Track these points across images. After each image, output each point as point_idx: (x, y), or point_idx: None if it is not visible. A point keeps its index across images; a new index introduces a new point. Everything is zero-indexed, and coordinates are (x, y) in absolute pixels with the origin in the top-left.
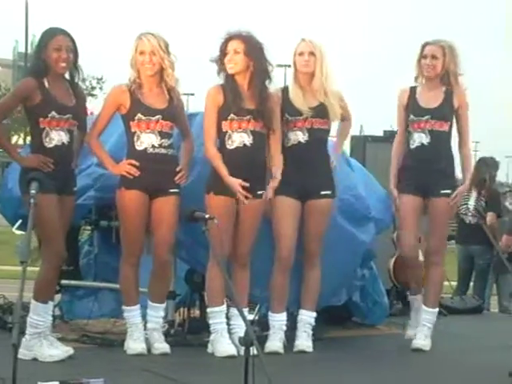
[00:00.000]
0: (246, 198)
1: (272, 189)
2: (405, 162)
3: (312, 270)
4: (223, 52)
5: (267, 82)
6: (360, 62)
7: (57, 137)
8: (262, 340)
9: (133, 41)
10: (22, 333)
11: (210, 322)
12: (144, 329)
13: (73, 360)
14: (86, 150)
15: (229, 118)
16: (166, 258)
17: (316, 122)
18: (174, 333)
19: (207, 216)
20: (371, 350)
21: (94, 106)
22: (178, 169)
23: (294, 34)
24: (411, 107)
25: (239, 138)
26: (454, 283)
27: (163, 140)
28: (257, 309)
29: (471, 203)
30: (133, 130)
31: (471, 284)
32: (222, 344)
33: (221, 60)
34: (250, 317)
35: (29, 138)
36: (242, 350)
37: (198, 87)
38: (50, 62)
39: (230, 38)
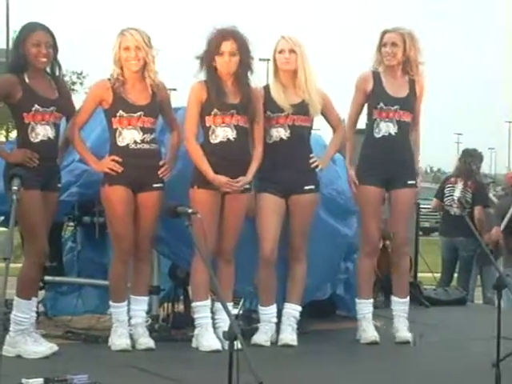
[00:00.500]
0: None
1: (243, 182)
2: (367, 151)
3: (298, 264)
4: (216, 51)
5: (249, 74)
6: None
7: (42, 131)
8: (247, 334)
9: (115, 37)
10: (6, 330)
11: (195, 316)
12: (128, 324)
13: (57, 356)
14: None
15: (212, 112)
16: (147, 251)
17: (298, 119)
18: (159, 328)
19: (190, 210)
20: (356, 343)
21: (74, 100)
22: (161, 163)
23: (276, 27)
24: (379, 95)
25: (223, 133)
26: (438, 275)
27: (145, 135)
28: (241, 303)
29: (456, 194)
30: (114, 127)
31: (455, 276)
32: (207, 338)
33: (211, 58)
34: (235, 311)
35: (10, 135)
36: (227, 344)
37: (179, 82)
38: (30, 57)
39: (223, 38)
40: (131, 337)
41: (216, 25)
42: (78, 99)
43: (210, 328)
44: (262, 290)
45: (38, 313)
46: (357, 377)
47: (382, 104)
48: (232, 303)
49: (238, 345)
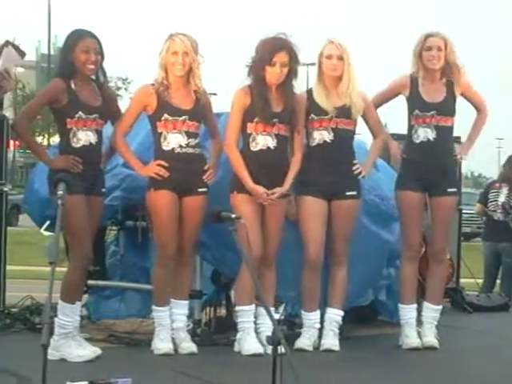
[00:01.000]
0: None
1: (279, 194)
2: (407, 156)
3: (339, 268)
4: (267, 61)
5: (294, 81)
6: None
7: (84, 137)
8: (289, 339)
9: (163, 41)
10: (52, 333)
11: (238, 320)
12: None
13: (100, 360)
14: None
15: (254, 120)
16: (190, 255)
17: (341, 122)
18: (201, 332)
19: (234, 216)
20: (398, 349)
21: (120, 106)
22: (205, 167)
23: (315, 31)
24: (415, 101)
25: (263, 141)
26: (480, 281)
27: (190, 139)
28: (282, 308)
29: (501, 200)
30: (159, 131)
31: (497, 282)
32: (249, 342)
33: (261, 67)
34: (276, 316)
35: (52, 139)
36: (269, 348)
37: (220, 87)
38: (78, 63)
39: (276, 49)
40: (173, 341)
41: (268, 33)
42: (123, 105)
43: (252, 332)
44: (306, 296)
45: (81, 317)
46: (397, 382)
47: (417, 111)
48: (273, 308)
49: (281, 349)
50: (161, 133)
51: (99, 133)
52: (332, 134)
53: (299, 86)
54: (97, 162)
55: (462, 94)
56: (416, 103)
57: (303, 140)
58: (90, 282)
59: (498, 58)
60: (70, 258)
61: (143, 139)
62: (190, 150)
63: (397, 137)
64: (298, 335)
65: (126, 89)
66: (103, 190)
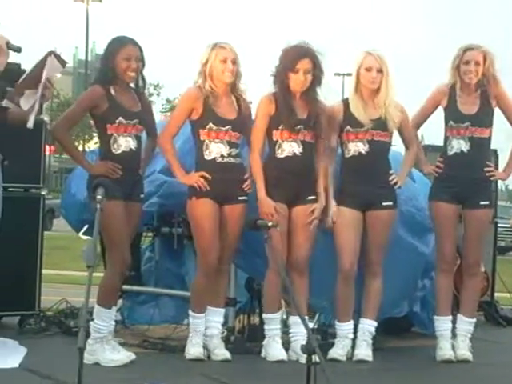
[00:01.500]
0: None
1: (318, 210)
2: (442, 167)
3: (374, 279)
4: (291, 68)
5: (318, 89)
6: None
7: (124, 143)
8: (323, 349)
9: (206, 50)
10: (88, 337)
11: (265, 327)
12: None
13: (134, 365)
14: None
15: (280, 127)
16: (228, 263)
17: (377, 135)
18: (234, 340)
19: (270, 224)
20: (431, 361)
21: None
22: (245, 176)
23: (350, 42)
24: (451, 112)
25: (289, 148)
26: None
27: (232, 149)
28: (316, 317)
29: None
30: (202, 139)
31: None
32: (275, 348)
33: (285, 74)
34: (310, 325)
35: (88, 145)
36: (304, 357)
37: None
38: (119, 70)
39: (300, 56)
40: (206, 347)
41: (291, 41)
42: (155, 110)
43: (278, 339)
44: (339, 306)
45: (115, 321)
46: None
47: (451, 122)
48: (307, 317)
49: (315, 358)
50: (203, 141)
51: (139, 138)
52: (367, 146)
53: (323, 94)
54: (136, 168)
55: (498, 106)
56: (452, 114)
57: (334, 148)
58: (125, 287)
59: None
60: (107, 263)
61: (180, 146)
62: (232, 160)
63: (431, 148)
64: (332, 345)
65: (158, 94)
66: (142, 195)
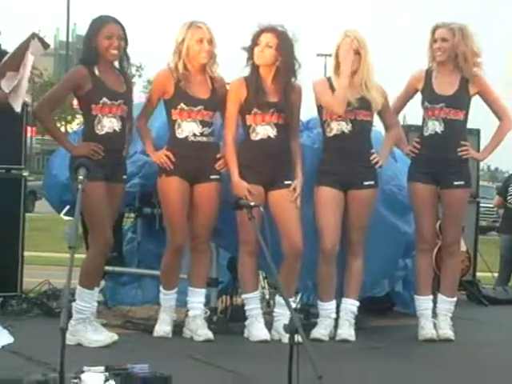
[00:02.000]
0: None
1: (299, 188)
2: (418, 148)
3: (355, 259)
4: (255, 42)
5: (292, 80)
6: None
7: (108, 124)
8: (305, 328)
9: (182, 29)
10: (70, 317)
11: (246, 307)
12: (186, 316)
13: (117, 346)
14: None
15: (252, 112)
16: (205, 243)
17: (360, 114)
18: (217, 320)
19: (252, 203)
20: (413, 340)
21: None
22: (218, 156)
23: (333, 22)
24: (426, 93)
25: (263, 131)
26: (497, 274)
27: (204, 128)
28: (299, 297)
29: None
30: (174, 118)
31: None
32: (257, 329)
33: (251, 50)
34: (293, 305)
35: (70, 126)
36: (286, 337)
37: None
38: (101, 49)
39: (263, 31)
40: (189, 328)
41: (263, 21)
42: (136, 92)
43: (260, 318)
44: (322, 286)
45: (97, 302)
46: (413, 373)
47: (427, 103)
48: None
49: (298, 338)
50: (175, 120)
51: (123, 119)
52: (350, 125)
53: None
54: (120, 150)
55: (480, 95)
56: (427, 95)
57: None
58: (107, 268)
59: None
60: (89, 244)
61: (160, 126)
62: (204, 139)
63: (414, 128)
64: (314, 325)
65: (139, 76)
66: (124, 177)
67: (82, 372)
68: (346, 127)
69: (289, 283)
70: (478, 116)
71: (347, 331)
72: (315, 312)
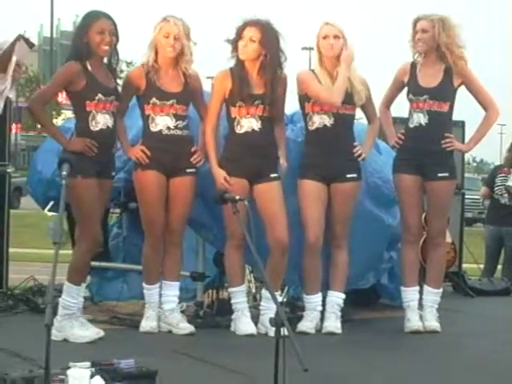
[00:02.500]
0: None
1: (285, 168)
2: (403, 141)
3: (339, 251)
4: (239, 36)
5: (278, 72)
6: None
7: (103, 120)
8: (292, 322)
9: (156, 22)
10: (55, 314)
11: (232, 301)
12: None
13: (103, 341)
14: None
15: (237, 104)
16: (178, 236)
17: (342, 108)
18: (203, 314)
19: (238, 197)
20: (399, 332)
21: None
22: (193, 149)
23: (318, 16)
24: (410, 86)
25: (248, 124)
26: (483, 266)
27: (178, 122)
28: (285, 291)
29: (509, 184)
30: (147, 113)
31: (499, 267)
32: (243, 323)
33: (236, 43)
34: (279, 299)
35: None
36: (272, 330)
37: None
38: (93, 44)
39: (247, 24)
40: (169, 322)
41: (248, 15)
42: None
43: (246, 312)
44: (307, 278)
45: (83, 298)
46: (399, 365)
47: (411, 95)
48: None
49: (284, 331)
50: (148, 115)
51: (114, 115)
52: (332, 119)
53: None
54: (111, 146)
55: (465, 85)
56: (411, 87)
57: (285, 128)
58: (93, 263)
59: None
60: (78, 240)
61: (137, 133)
62: (178, 132)
63: (399, 120)
64: (300, 318)
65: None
66: (113, 173)
67: (68, 368)
68: (328, 121)
69: (275, 277)
70: (464, 108)
71: (333, 324)
72: (301, 305)
